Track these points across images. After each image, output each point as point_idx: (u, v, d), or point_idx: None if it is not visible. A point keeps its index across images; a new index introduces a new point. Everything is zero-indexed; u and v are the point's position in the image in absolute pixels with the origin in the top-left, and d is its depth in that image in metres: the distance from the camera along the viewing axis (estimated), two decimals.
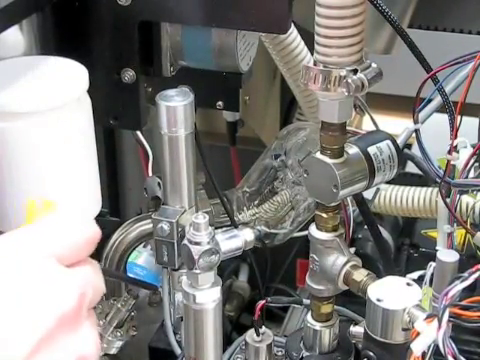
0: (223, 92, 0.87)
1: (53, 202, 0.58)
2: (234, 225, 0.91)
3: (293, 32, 0.98)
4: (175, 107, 0.77)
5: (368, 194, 0.90)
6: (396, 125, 1.00)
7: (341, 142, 0.72)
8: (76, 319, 0.49)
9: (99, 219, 0.63)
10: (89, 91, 0.71)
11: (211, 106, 0.89)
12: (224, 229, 0.82)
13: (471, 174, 0.76)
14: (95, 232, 0.53)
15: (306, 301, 0.85)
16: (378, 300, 0.70)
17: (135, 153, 1.39)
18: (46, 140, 0.67)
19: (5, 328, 0.45)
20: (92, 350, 0.50)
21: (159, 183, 0.86)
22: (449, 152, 0.75)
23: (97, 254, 0.55)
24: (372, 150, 0.73)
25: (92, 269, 0.52)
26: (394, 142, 0.75)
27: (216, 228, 0.90)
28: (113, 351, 0.96)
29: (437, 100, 0.83)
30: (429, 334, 0.62)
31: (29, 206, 0.57)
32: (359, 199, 0.85)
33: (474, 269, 0.63)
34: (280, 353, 0.87)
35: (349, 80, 0.66)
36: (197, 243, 0.69)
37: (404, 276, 0.76)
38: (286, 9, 0.74)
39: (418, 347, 0.62)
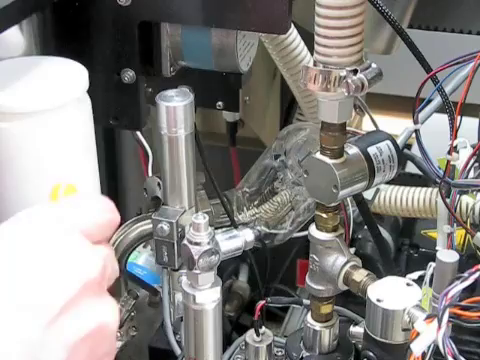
0: (223, 92, 0.87)
1: (75, 186, 0.62)
2: (234, 225, 0.91)
3: (293, 32, 0.98)
4: (175, 107, 0.77)
5: (368, 194, 0.90)
6: (396, 125, 1.00)
7: (341, 142, 0.72)
8: (99, 288, 0.50)
9: None
10: (89, 91, 0.71)
11: (211, 106, 0.88)
12: (224, 229, 0.82)
13: (471, 174, 0.76)
14: (116, 215, 0.55)
15: (306, 301, 0.85)
16: (378, 300, 0.70)
17: (135, 153, 1.39)
18: (46, 140, 0.67)
19: (33, 291, 0.46)
20: (113, 318, 0.51)
21: (159, 183, 0.86)
22: (449, 152, 0.75)
23: None
24: (372, 150, 0.73)
25: (110, 251, 0.54)
26: (394, 142, 0.75)
27: (216, 228, 0.90)
28: None
29: (437, 100, 0.83)
30: (429, 334, 0.62)
31: (54, 189, 0.62)
32: (359, 199, 0.85)
33: (474, 269, 0.63)
34: (280, 353, 0.87)
35: (349, 80, 0.66)
36: (197, 243, 0.69)
37: (404, 276, 0.76)
38: (286, 9, 0.74)
39: (418, 347, 0.62)
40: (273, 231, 0.93)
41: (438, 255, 0.71)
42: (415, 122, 0.78)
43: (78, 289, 0.48)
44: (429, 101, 0.79)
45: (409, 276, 0.79)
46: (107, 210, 0.55)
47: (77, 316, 0.48)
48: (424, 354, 0.64)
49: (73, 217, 0.52)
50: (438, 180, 0.76)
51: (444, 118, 0.74)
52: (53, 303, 0.47)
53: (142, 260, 1.16)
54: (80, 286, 0.48)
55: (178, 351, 0.90)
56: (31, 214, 0.51)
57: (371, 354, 0.73)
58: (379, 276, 0.75)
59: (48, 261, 0.48)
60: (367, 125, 1.13)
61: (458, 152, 0.76)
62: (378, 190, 0.95)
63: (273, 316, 1.29)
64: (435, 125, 0.86)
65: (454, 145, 0.75)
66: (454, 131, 0.74)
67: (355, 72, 0.67)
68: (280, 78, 1.26)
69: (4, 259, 0.47)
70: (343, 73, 0.67)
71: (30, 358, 0.45)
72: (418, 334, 0.63)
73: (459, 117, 0.73)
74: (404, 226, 1.26)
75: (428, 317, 0.64)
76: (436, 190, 0.97)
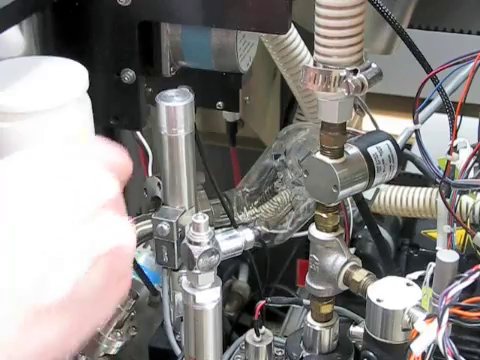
0: (223, 92, 0.87)
1: None
2: (234, 225, 0.91)
3: (293, 32, 0.98)
4: (175, 107, 0.77)
5: (368, 194, 0.90)
6: (396, 125, 1.00)
7: (341, 142, 0.72)
8: (117, 208, 0.51)
9: None
10: (89, 91, 0.71)
11: (211, 106, 0.88)
12: (224, 229, 0.82)
13: (471, 174, 0.76)
14: (129, 162, 0.55)
15: (306, 301, 0.85)
16: (378, 300, 0.70)
17: (135, 153, 1.39)
18: (46, 140, 0.67)
19: (54, 202, 0.47)
20: (131, 240, 0.51)
21: (159, 183, 0.86)
22: (449, 152, 0.75)
23: None
24: (372, 150, 0.73)
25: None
26: (394, 142, 0.75)
27: (216, 228, 0.90)
28: (113, 351, 0.96)
29: (437, 100, 0.83)
30: (429, 334, 0.62)
31: None
32: (359, 199, 0.85)
33: (474, 269, 0.63)
34: (280, 353, 0.87)
35: (349, 80, 0.66)
36: (197, 243, 0.69)
37: (404, 276, 0.76)
38: (286, 9, 0.74)
39: (418, 347, 0.62)
40: (273, 231, 0.93)
41: (438, 255, 0.71)
42: (415, 122, 0.78)
43: (98, 206, 0.49)
44: (429, 101, 0.79)
45: (409, 276, 0.79)
46: (121, 154, 0.55)
47: (98, 232, 0.48)
48: (424, 354, 0.64)
49: (88, 152, 0.53)
50: (438, 180, 0.76)
51: (444, 118, 0.74)
52: (74, 214, 0.47)
53: (142, 260, 1.16)
54: (100, 203, 0.49)
55: (178, 351, 0.90)
56: (49, 145, 0.52)
57: (371, 354, 0.73)
58: (379, 276, 0.75)
59: (72, 180, 0.49)
60: (367, 125, 1.13)
61: (458, 152, 0.76)
62: (378, 190, 0.95)
63: (273, 316, 1.29)
64: (435, 125, 0.86)
65: (454, 145, 0.75)
66: (454, 131, 0.74)
67: (355, 72, 0.67)
68: (280, 78, 1.26)
69: (25, 176, 0.48)
70: (343, 73, 0.67)
71: (52, 265, 0.45)
72: (418, 334, 0.63)
73: (459, 117, 0.73)
74: (404, 226, 1.26)
75: (428, 317, 0.64)
76: (436, 190, 0.97)
